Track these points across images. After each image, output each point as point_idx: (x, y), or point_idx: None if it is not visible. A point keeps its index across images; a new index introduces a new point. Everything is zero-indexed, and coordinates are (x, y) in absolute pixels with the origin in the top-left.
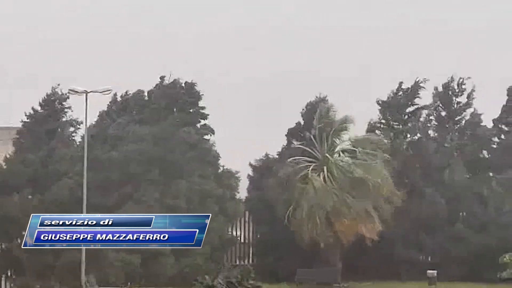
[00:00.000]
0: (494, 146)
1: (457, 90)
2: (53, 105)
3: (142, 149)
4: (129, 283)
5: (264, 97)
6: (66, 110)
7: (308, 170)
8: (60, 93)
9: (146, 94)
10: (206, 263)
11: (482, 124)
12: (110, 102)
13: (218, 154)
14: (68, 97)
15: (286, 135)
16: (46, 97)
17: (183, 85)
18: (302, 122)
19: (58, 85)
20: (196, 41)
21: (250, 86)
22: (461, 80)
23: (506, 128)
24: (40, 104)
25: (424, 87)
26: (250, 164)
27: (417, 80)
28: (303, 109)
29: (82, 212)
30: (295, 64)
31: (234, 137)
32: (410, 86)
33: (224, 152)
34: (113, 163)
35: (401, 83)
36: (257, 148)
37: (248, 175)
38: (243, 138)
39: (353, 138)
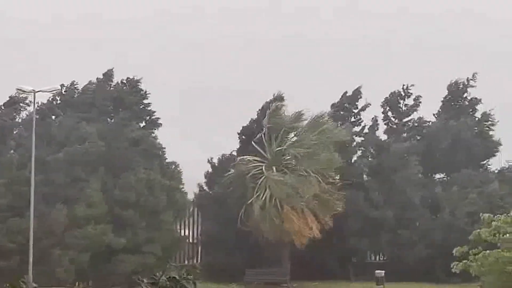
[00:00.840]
0: (443, 147)
1: (403, 94)
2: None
3: (88, 148)
4: (77, 283)
5: (223, 96)
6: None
7: (259, 170)
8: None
9: (91, 91)
10: (157, 262)
11: (429, 125)
12: (52, 100)
13: (162, 148)
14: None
15: (238, 133)
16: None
17: (125, 82)
18: (256, 121)
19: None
20: (148, 39)
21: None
22: (405, 86)
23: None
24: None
25: (360, 96)
26: (209, 161)
27: (357, 88)
28: (259, 110)
29: (29, 216)
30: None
31: (188, 136)
32: (353, 92)
33: (177, 150)
34: (59, 163)
35: (345, 92)
36: (212, 148)
37: (204, 174)
38: (197, 137)
39: (303, 129)
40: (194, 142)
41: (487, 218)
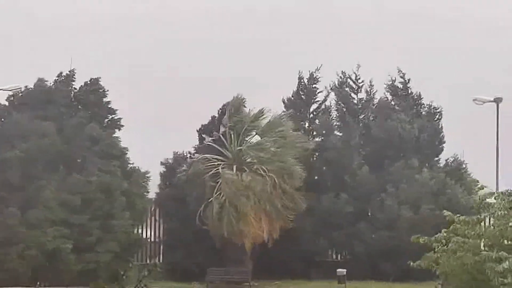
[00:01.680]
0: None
1: (355, 88)
2: None
3: (44, 146)
4: (38, 283)
5: (180, 94)
6: None
7: (219, 169)
8: None
9: (48, 89)
10: (114, 261)
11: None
12: (11, 99)
13: (124, 149)
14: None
15: (198, 131)
16: None
17: (88, 81)
18: (217, 119)
19: None
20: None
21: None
22: (354, 76)
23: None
24: None
25: (319, 80)
26: (162, 163)
27: (312, 73)
28: (219, 109)
29: None
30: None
31: (147, 135)
32: (307, 82)
33: (137, 149)
34: (13, 162)
35: (300, 77)
36: (172, 146)
37: (160, 172)
38: (156, 135)
39: (263, 128)
40: (156, 140)
41: (450, 217)
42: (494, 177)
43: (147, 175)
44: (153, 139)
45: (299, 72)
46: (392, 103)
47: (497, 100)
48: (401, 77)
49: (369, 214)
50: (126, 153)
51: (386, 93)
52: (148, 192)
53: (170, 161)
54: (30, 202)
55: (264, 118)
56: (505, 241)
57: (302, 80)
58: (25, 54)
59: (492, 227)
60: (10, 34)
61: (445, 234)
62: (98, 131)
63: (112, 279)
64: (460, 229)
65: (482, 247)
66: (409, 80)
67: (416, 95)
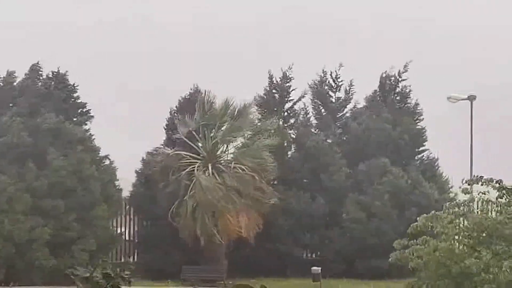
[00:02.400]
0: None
1: (334, 86)
2: None
3: (13, 142)
4: (11, 283)
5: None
6: None
7: (194, 168)
8: None
9: (17, 83)
10: (92, 259)
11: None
12: None
13: (92, 139)
14: None
15: (165, 128)
16: None
17: (53, 75)
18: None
19: None
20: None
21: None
22: (334, 74)
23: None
24: None
25: (292, 78)
26: (142, 159)
27: (285, 72)
28: (179, 101)
29: None
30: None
31: (120, 132)
32: (280, 81)
33: (110, 147)
34: None
35: (271, 76)
36: (145, 142)
37: (136, 170)
38: (128, 132)
39: (233, 127)
40: (132, 141)
41: (420, 219)
42: (468, 175)
43: (112, 164)
44: (124, 140)
45: (269, 71)
46: (373, 102)
47: (471, 98)
48: (385, 77)
49: (343, 213)
50: (98, 146)
51: (373, 93)
52: (117, 180)
53: (145, 157)
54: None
55: (231, 110)
56: (482, 234)
57: (273, 79)
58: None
59: (466, 221)
60: None
61: (422, 222)
62: (64, 124)
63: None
64: (439, 216)
65: (458, 241)
66: (393, 79)
67: (400, 95)
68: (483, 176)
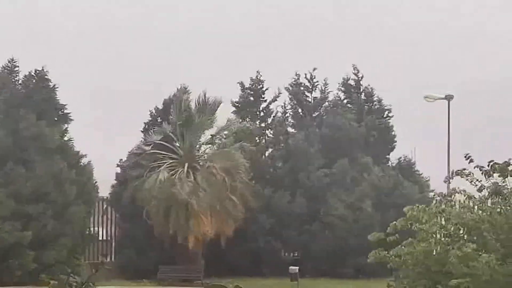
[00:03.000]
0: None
1: (310, 86)
2: None
3: None
4: None
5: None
6: None
7: (176, 173)
8: None
9: None
10: (69, 259)
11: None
12: None
13: (70, 142)
14: None
15: (142, 131)
16: None
17: (33, 74)
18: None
19: None
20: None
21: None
22: (309, 75)
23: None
24: None
25: (264, 80)
26: (120, 162)
27: (256, 77)
28: (159, 106)
29: None
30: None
31: (98, 134)
32: (253, 83)
33: (89, 148)
34: None
35: (242, 84)
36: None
37: (116, 173)
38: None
39: (213, 130)
40: (109, 142)
41: (407, 210)
42: (445, 174)
43: (90, 165)
44: (104, 141)
45: (240, 82)
46: (344, 101)
47: (448, 97)
48: (354, 74)
49: (322, 212)
50: (74, 147)
51: (339, 91)
52: (95, 181)
53: (124, 160)
54: None
55: (208, 111)
56: (462, 232)
57: (249, 83)
58: None
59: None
60: None
61: (400, 224)
62: (41, 125)
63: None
64: (417, 216)
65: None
66: (362, 77)
67: (368, 93)
68: (465, 169)
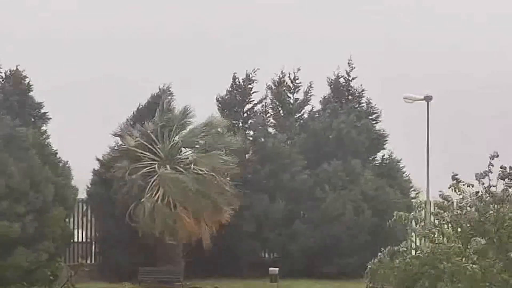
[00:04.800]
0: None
1: (292, 87)
2: None
3: None
4: None
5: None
6: None
7: (152, 168)
8: None
9: None
10: (50, 261)
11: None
12: None
13: (44, 142)
14: None
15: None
16: None
17: (9, 74)
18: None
19: None
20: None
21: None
22: (293, 76)
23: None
24: None
25: (256, 81)
26: (97, 159)
27: (248, 74)
28: (145, 103)
29: None
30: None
31: (81, 133)
32: (242, 82)
33: (71, 148)
34: None
35: (235, 77)
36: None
37: (93, 169)
38: (91, 133)
39: (193, 130)
40: (84, 140)
41: (400, 217)
42: (424, 176)
43: (67, 166)
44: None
45: (234, 73)
46: (332, 100)
47: (427, 98)
48: (346, 73)
49: (303, 214)
50: (51, 147)
51: (329, 91)
52: (72, 182)
53: (104, 158)
54: None
55: (192, 116)
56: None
57: (236, 80)
58: None
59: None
60: None
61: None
62: (17, 128)
63: (41, 281)
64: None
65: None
66: (353, 78)
67: (357, 92)
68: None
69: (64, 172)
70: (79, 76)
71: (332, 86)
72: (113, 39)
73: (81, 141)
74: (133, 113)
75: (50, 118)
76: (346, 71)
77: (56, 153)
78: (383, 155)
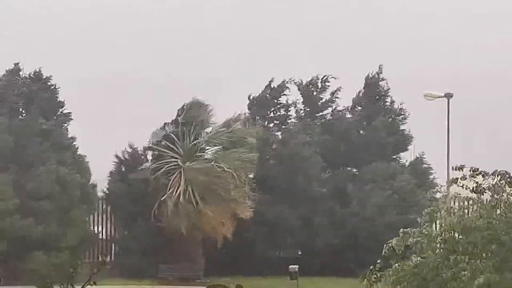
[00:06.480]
0: (356, 141)
1: (320, 87)
2: None
3: None
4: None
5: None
6: None
7: (172, 165)
8: None
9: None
10: (72, 259)
11: (345, 119)
12: None
13: (72, 141)
14: None
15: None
16: None
17: (34, 75)
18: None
19: None
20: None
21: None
22: (325, 77)
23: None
24: None
25: (288, 87)
26: (116, 156)
27: (284, 80)
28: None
29: None
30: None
31: (103, 132)
32: (277, 86)
33: (94, 146)
34: None
35: (271, 81)
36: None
37: (113, 168)
38: (112, 132)
39: (217, 130)
40: (106, 137)
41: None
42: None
43: (86, 161)
44: (100, 137)
45: (272, 79)
46: (361, 101)
47: (448, 96)
48: (377, 74)
49: (324, 212)
50: (76, 146)
51: (357, 92)
52: (91, 181)
53: (126, 156)
54: None
55: (213, 116)
56: (458, 235)
57: (271, 83)
58: None
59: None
60: None
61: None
62: (48, 125)
63: (63, 278)
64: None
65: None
66: (382, 79)
67: (387, 95)
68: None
69: (86, 171)
70: (99, 74)
71: (364, 87)
72: (138, 41)
73: (98, 139)
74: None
75: (72, 118)
76: (377, 72)
77: (84, 156)
78: (415, 156)
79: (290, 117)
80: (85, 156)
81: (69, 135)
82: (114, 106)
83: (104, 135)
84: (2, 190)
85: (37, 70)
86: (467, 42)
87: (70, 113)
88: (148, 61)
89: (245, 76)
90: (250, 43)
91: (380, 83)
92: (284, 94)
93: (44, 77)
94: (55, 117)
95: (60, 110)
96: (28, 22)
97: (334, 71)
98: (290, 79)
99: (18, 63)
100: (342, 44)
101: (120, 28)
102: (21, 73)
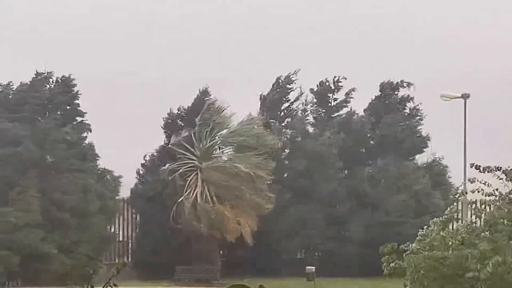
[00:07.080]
0: (371, 142)
1: (333, 88)
2: None
3: (17, 150)
4: (8, 282)
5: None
6: None
7: (189, 167)
8: None
9: (24, 92)
10: (89, 262)
11: (358, 120)
12: None
13: (94, 150)
14: None
15: (163, 127)
16: None
17: (59, 80)
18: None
19: None
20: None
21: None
22: (336, 78)
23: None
24: None
25: (295, 82)
26: (142, 164)
27: (289, 74)
28: (189, 106)
29: None
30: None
31: (103, 132)
32: (283, 80)
33: (110, 150)
34: None
35: (278, 78)
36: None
37: (137, 174)
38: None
39: (233, 131)
40: (124, 138)
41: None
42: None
43: (119, 179)
44: (119, 138)
45: (279, 76)
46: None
47: (465, 96)
48: (386, 82)
49: (340, 214)
50: (98, 156)
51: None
52: (118, 194)
53: (147, 162)
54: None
55: (231, 117)
56: (474, 235)
57: (279, 80)
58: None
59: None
60: None
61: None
62: (71, 134)
63: (82, 279)
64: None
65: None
66: (401, 81)
67: (404, 96)
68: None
69: (110, 183)
70: (99, 74)
71: (380, 89)
72: (138, 41)
73: (98, 139)
74: (173, 113)
75: (90, 125)
76: (402, 80)
77: (106, 171)
78: (433, 157)
79: (306, 116)
80: (111, 171)
81: (91, 142)
82: (114, 106)
83: (104, 135)
84: (28, 201)
85: (65, 76)
86: (484, 42)
87: (89, 124)
88: (148, 61)
89: (246, 76)
90: (250, 43)
91: (397, 86)
92: (292, 90)
93: (71, 82)
94: (74, 125)
95: (80, 118)
96: (28, 22)
97: (345, 73)
98: (295, 71)
99: (43, 73)
100: (356, 44)
101: (120, 28)
102: (45, 79)
